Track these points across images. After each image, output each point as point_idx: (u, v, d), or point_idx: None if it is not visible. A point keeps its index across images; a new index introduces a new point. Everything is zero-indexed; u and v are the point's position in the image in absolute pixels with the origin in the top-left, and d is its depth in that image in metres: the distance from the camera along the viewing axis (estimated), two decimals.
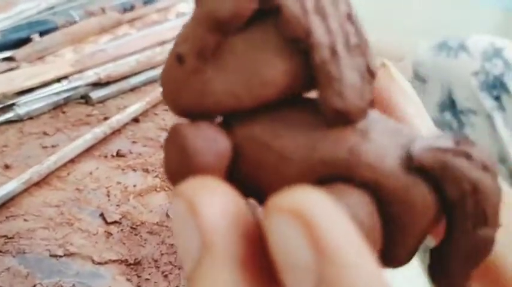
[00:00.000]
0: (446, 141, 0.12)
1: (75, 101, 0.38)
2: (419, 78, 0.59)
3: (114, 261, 0.25)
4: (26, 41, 0.43)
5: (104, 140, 0.34)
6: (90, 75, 0.39)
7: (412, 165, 0.11)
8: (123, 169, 0.32)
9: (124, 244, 0.26)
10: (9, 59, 0.42)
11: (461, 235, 0.11)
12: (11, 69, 0.40)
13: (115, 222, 0.28)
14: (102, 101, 0.39)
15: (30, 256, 0.25)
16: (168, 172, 0.13)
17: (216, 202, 0.10)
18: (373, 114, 0.13)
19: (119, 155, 0.33)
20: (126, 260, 0.25)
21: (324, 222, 0.09)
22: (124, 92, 0.40)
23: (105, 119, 0.36)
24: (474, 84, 0.55)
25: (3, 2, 0.52)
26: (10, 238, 0.26)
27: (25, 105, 0.36)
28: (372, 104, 0.12)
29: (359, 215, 0.11)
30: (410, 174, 0.11)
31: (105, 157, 0.33)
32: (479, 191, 0.11)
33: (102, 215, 0.28)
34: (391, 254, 0.12)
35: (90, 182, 0.30)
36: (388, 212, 0.11)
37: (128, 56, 0.43)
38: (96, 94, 0.38)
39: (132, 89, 0.41)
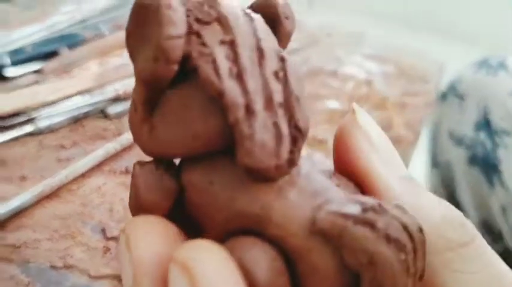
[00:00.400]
0: (353, 207, 0.12)
1: (95, 115, 0.41)
2: (458, 95, 0.58)
3: (108, 276, 0.27)
4: (54, 54, 0.46)
5: (115, 156, 0.36)
6: (110, 91, 0.42)
7: (315, 228, 0.12)
8: (128, 186, 0.34)
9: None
10: (37, 71, 0.45)
11: None
12: (38, 82, 0.43)
13: (114, 238, 0.30)
14: (119, 116, 0.41)
15: (33, 266, 0.27)
16: (129, 205, 0.15)
17: (148, 240, 0.12)
18: (306, 170, 0.14)
19: (127, 171, 0.35)
20: (120, 276, 0.27)
21: (207, 275, 0.11)
22: None
23: (119, 134, 0.39)
24: (510, 104, 0.54)
25: (39, 13, 0.55)
26: (17, 247, 0.28)
27: (46, 119, 0.38)
28: (292, 163, 0.13)
29: (257, 268, 0.12)
30: (315, 237, 0.12)
31: (114, 172, 0.35)
32: (376, 263, 0.11)
33: (103, 230, 0.30)
34: None
35: (97, 197, 0.33)
36: (296, 272, 0.12)
37: None
38: (113, 109, 0.41)
39: None
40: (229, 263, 0.11)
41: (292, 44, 0.54)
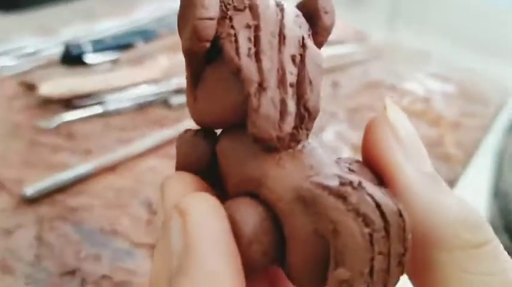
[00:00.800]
0: (333, 180, 0.13)
1: (158, 103, 0.44)
2: None
3: (147, 245, 0.30)
4: (130, 46, 0.50)
5: (171, 142, 0.39)
6: (174, 83, 0.45)
7: (298, 195, 0.13)
8: None
9: None
10: (114, 61, 0.49)
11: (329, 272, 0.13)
12: (113, 69, 0.47)
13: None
14: (180, 107, 0.44)
15: (85, 227, 0.31)
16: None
17: (175, 189, 0.15)
18: (311, 147, 0.15)
19: None
20: None
21: (197, 219, 0.12)
22: None
23: (178, 123, 0.42)
24: None
25: (124, 9, 0.60)
26: (74, 210, 0.32)
27: (115, 103, 0.42)
28: (295, 138, 0.14)
29: (244, 223, 0.13)
30: (298, 203, 0.13)
31: (168, 156, 0.38)
32: (339, 233, 0.12)
33: (149, 205, 0.33)
34: (286, 272, 0.14)
35: (149, 176, 0.35)
36: (283, 232, 0.14)
37: None
38: (175, 100, 0.44)
39: None
40: (220, 213, 0.13)
41: (355, 56, 0.55)
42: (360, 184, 0.13)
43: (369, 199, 0.13)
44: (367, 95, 0.48)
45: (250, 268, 0.13)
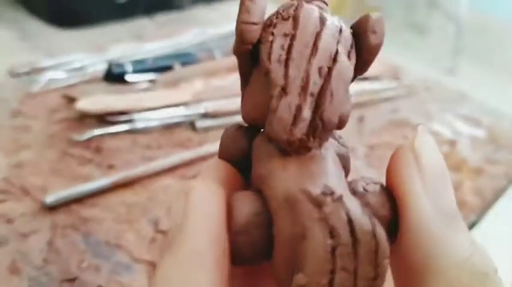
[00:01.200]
0: (317, 189, 0.14)
1: (185, 125, 0.47)
2: None
3: (147, 262, 0.32)
4: (169, 68, 0.53)
5: (190, 163, 0.41)
6: (202, 107, 0.47)
7: (286, 197, 0.14)
8: None
9: None
10: (152, 81, 0.52)
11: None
12: (149, 89, 0.50)
13: (162, 231, 0.34)
14: (205, 130, 0.46)
15: (93, 238, 0.33)
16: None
17: (207, 174, 0.16)
18: (322, 157, 0.15)
19: (195, 177, 0.40)
20: (155, 263, 0.32)
21: (196, 201, 0.14)
22: (226, 126, 0.47)
23: (200, 146, 0.44)
24: None
25: (170, 31, 0.63)
26: (87, 220, 0.34)
27: (144, 122, 0.45)
28: (304, 144, 0.15)
29: (238, 212, 0.15)
30: (286, 205, 0.14)
31: (184, 177, 0.40)
32: (305, 238, 0.13)
33: (156, 223, 0.35)
34: (272, 271, 0.15)
35: (161, 195, 0.38)
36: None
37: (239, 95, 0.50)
38: (201, 124, 0.46)
39: None
40: (218, 199, 0.14)
41: (387, 92, 0.55)
42: (340, 197, 0.14)
43: (342, 212, 0.13)
44: (390, 133, 0.49)
45: (237, 258, 0.14)
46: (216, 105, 0.48)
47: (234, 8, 0.72)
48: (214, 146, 0.43)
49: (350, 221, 0.13)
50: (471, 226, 0.40)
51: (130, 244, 0.33)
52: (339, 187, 0.15)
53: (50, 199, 0.35)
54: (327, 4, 0.19)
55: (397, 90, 0.56)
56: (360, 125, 0.50)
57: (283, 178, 0.15)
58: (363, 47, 0.17)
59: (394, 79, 0.58)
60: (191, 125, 0.47)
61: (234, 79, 0.54)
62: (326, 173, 0.15)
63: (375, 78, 0.57)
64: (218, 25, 0.65)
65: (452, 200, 0.15)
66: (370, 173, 0.42)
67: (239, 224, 0.14)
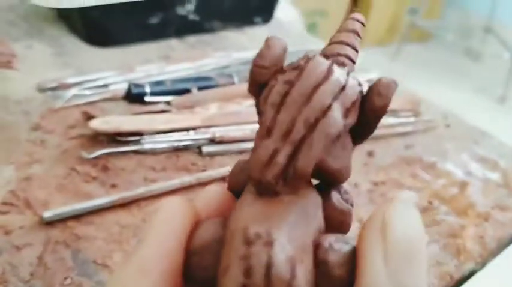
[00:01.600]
0: (260, 229, 0.15)
1: (191, 149, 0.48)
2: None
3: None
4: (186, 91, 0.55)
5: (190, 187, 0.42)
6: (211, 131, 0.48)
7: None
8: None
9: None
10: (168, 103, 0.54)
11: None
12: (164, 111, 0.52)
13: None
14: (211, 155, 0.47)
15: (81, 255, 0.34)
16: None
17: (204, 197, 0.18)
18: (295, 205, 0.16)
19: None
20: None
21: (162, 217, 0.15)
22: (232, 153, 0.48)
23: (203, 171, 0.45)
24: None
25: (197, 54, 0.65)
26: (79, 238, 0.36)
27: (152, 143, 0.46)
28: (271, 187, 0.16)
29: (197, 234, 0.16)
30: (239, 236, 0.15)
31: None
32: (225, 273, 0.14)
33: None
34: None
35: None
36: None
37: (251, 123, 0.51)
38: (207, 149, 0.47)
39: (241, 152, 0.48)
40: (185, 219, 0.16)
41: (406, 127, 0.55)
42: (270, 242, 0.14)
43: (264, 256, 0.14)
44: (398, 170, 0.48)
45: (190, 278, 0.16)
46: (225, 131, 0.49)
47: (263, 33, 0.74)
48: (216, 172, 0.44)
49: (269, 266, 0.14)
50: (469, 274, 0.39)
51: (115, 264, 0.34)
52: (285, 234, 0.15)
53: (47, 214, 0.37)
54: (354, 62, 0.20)
55: (414, 125, 0.55)
56: (369, 160, 0.49)
57: (244, 213, 0.16)
58: (368, 107, 0.18)
59: (413, 114, 0.57)
60: (198, 150, 0.48)
61: (249, 105, 0.55)
62: (282, 219, 0.15)
63: (393, 112, 0.56)
64: (245, 49, 0.67)
65: (419, 279, 0.14)
66: (366, 213, 0.42)
67: (195, 245, 0.16)
